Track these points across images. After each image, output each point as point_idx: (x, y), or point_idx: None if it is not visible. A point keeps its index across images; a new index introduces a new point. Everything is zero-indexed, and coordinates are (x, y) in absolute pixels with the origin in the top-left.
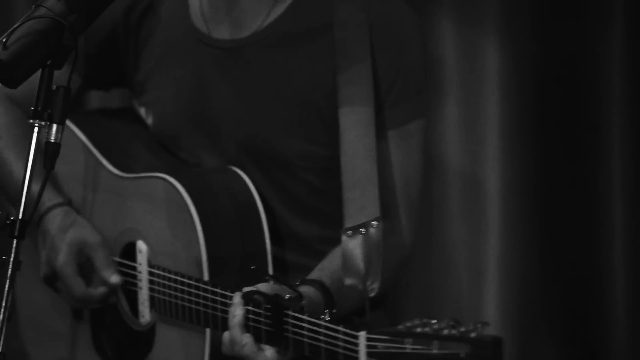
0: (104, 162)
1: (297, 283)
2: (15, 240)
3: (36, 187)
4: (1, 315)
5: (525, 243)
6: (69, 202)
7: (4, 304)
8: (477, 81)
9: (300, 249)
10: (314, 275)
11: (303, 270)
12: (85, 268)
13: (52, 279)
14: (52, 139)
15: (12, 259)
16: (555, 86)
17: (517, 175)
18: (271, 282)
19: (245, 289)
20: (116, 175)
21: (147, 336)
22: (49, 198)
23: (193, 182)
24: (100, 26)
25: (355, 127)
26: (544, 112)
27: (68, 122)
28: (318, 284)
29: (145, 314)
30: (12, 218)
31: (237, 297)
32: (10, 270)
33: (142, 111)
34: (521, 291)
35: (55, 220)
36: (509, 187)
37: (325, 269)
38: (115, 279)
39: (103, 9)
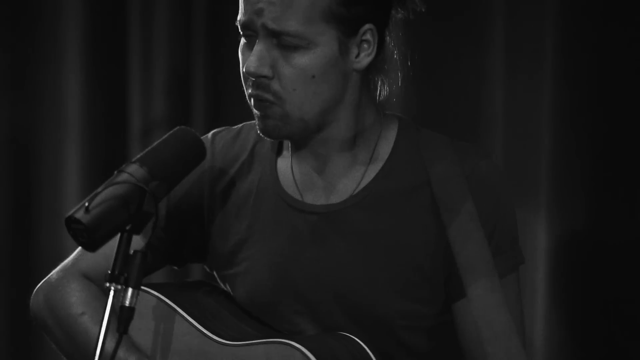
0: (205, 331)
1: None
2: None
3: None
4: None
5: None
6: None
7: None
8: None
9: None
10: None
11: None
12: None
13: None
14: (127, 303)
15: None
16: None
17: None
18: None
19: None
20: (221, 344)
21: None
22: None
23: (317, 347)
24: (184, 201)
25: (478, 281)
26: None
27: (153, 291)
28: None
29: None
30: None
31: None
32: None
33: (227, 283)
34: None
35: None
36: None
37: None
38: None
39: (184, 175)
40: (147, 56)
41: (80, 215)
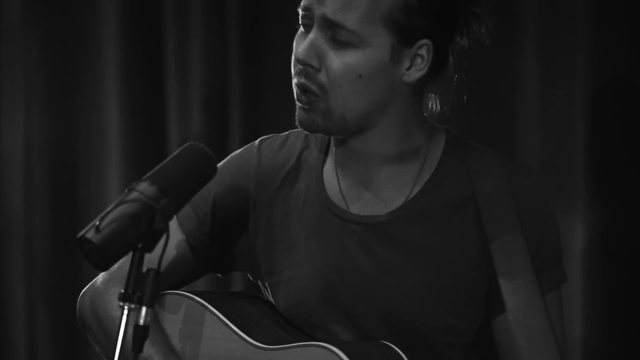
0: (244, 336)
1: None
2: None
3: None
4: None
5: None
6: None
7: None
8: None
9: None
10: None
11: None
12: None
13: None
14: (142, 322)
15: None
16: None
17: None
18: None
19: None
20: (260, 348)
21: None
22: None
23: (354, 352)
24: (229, 207)
25: (518, 291)
26: None
27: (195, 297)
28: None
29: None
30: None
31: None
32: None
33: (270, 291)
34: None
35: None
36: None
37: None
38: None
39: (196, 191)
40: (184, 72)
41: (91, 235)
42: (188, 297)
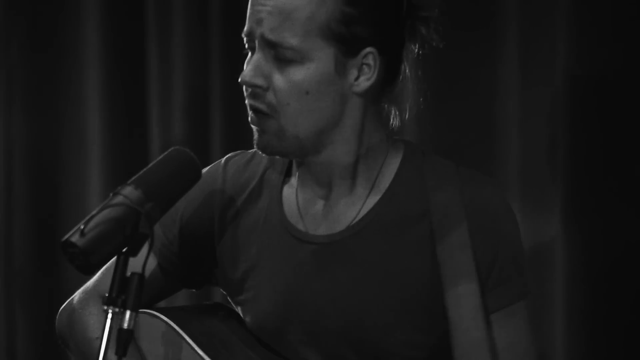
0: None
1: None
2: None
3: None
4: None
5: None
6: None
7: None
8: None
9: None
10: None
11: None
12: None
13: None
14: (125, 326)
15: None
16: None
17: None
18: None
19: None
20: None
21: None
22: None
23: None
24: (195, 226)
25: (464, 306)
26: None
27: (164, 317)
28: None
29: None
30: None
31: None
32: None
33: (239, 308)
34: None
35: None
36: None
37: None
38: None
39: (180, 196)
40: (166, 77)
41: (75, 238)
42: (156, 315)
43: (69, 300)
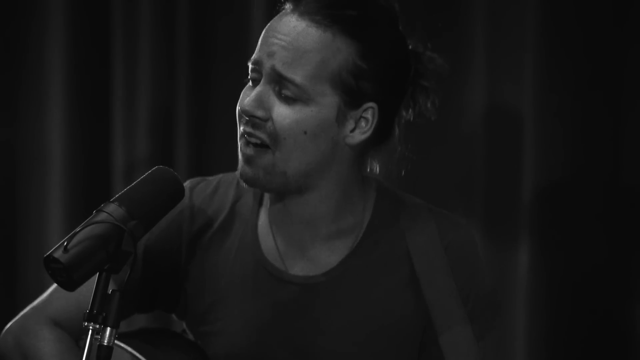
0: None
1: None
2: None
3: None
4: None
5: None
6: None
7: None
8: None
9: None
10: None
11: None
12: None
13: None
14: (105, 342)
15: None
16: None
17: None
18: None
19: None
20: None
21: None
22: None
23: None
24: (161, 254)
25: (461, 352)
26: None
27: (130, 349)
28: None
29: None
30: None
31: None
32: None
33: (200, 339)
34: None
35: None
36: None
37: None
38: None
39: (163, 214)
40: (130, 95)
41: (58, 254)
42: (124, 348)
43: (15, 320)
